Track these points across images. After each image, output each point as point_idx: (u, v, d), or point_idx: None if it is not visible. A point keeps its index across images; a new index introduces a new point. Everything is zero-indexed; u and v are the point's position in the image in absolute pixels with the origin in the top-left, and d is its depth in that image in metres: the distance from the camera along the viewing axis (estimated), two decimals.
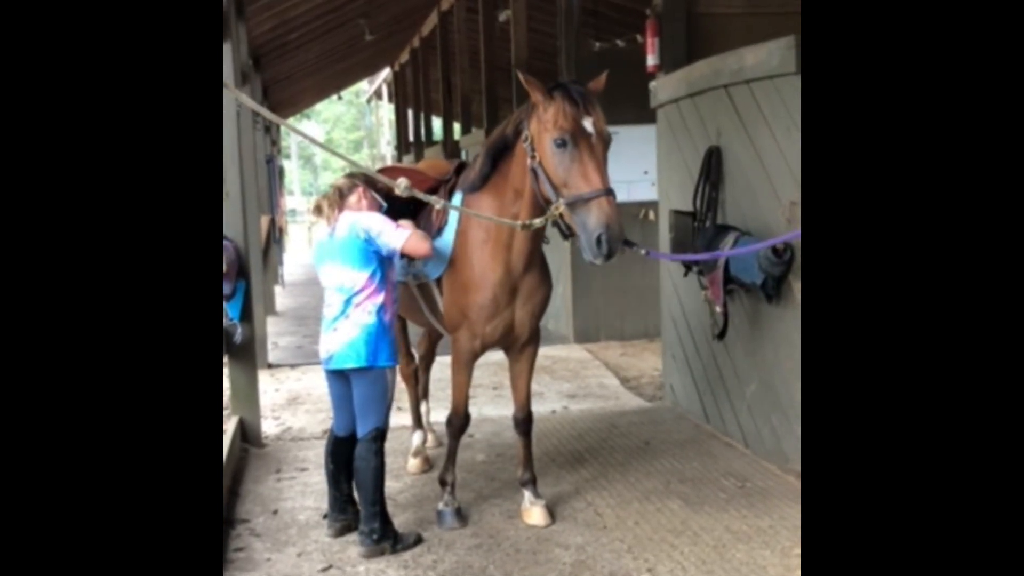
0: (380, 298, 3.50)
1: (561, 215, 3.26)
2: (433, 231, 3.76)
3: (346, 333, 3.48)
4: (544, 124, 3.22)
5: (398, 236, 3.47)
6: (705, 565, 3.39)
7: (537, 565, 3.44)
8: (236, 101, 4.72)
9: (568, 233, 3.43)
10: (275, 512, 4.09)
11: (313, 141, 3.94)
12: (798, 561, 3.42)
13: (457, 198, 3.75)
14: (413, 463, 4.60)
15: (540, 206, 3.38)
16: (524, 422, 3.93)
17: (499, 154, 3.55)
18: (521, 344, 3.83)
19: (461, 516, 3.88)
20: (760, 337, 4.46)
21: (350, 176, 3.78)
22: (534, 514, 3.83)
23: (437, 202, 3.55)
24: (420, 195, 3.50)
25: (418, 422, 4.79)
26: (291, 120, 20.71)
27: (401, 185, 3.38)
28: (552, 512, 3.89)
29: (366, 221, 3.49)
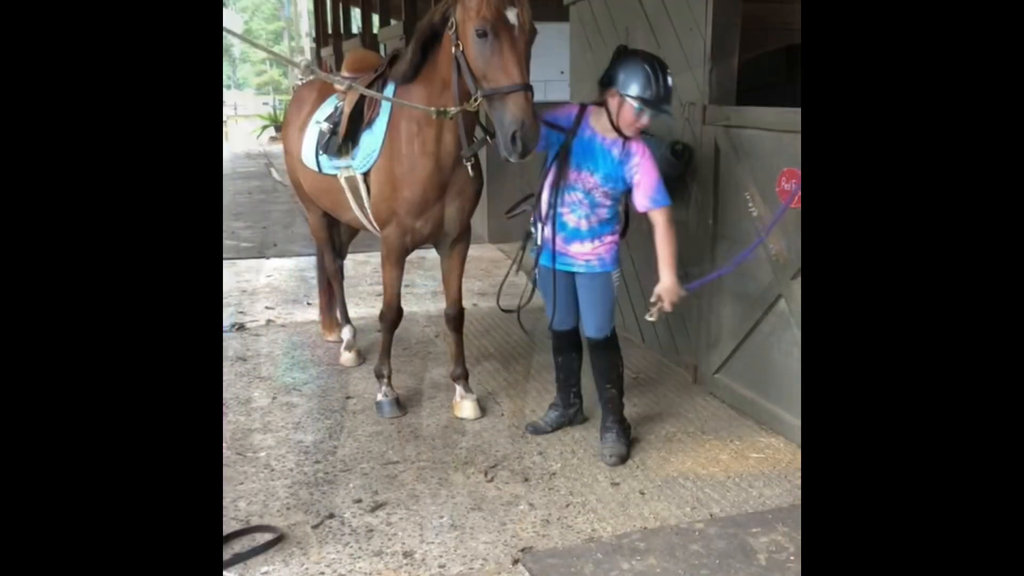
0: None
1: (479, 107, 3.23)
2: (364, 124, 3.70)
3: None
4: (468, 12, 3.15)
5: None
6: (593, 448, 3.60)
7: (434, 450, 3.60)
8: None
9: (491, 132, 3.41)
10: None
11: (240, 37, 3.79)
12: (678, 445, 3.66)
13: (389, 90, 3.67)
14: (347, 356, 4.68)
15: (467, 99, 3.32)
16: (456, 318, 4.00)
17: (428, 43, 3.47)
18: (451, 240, 3.87)
19: (400, 405, 3.99)
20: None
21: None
22: (465, 407, 3.95)
23: (376, 95, 3.53)
24: (362, 89, 3.50)
25: (346, 317, 4.87)
26: None
27: (345, 84, 3.40)
28: (482, 406, 4.00)
29: None
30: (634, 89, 3.19)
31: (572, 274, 3.47)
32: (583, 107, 3.38)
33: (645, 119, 3.24)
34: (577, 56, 5.52)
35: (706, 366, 4.30)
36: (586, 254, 3.42)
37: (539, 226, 3.45)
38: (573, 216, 3.39)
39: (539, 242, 3.47)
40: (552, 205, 3.38)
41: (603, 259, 3.45)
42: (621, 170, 3.33)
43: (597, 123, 3.33)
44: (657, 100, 3.20)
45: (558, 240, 3.41)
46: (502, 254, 7.61)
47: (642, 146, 3.35)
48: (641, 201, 3.34)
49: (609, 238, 3.46)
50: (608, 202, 3.39)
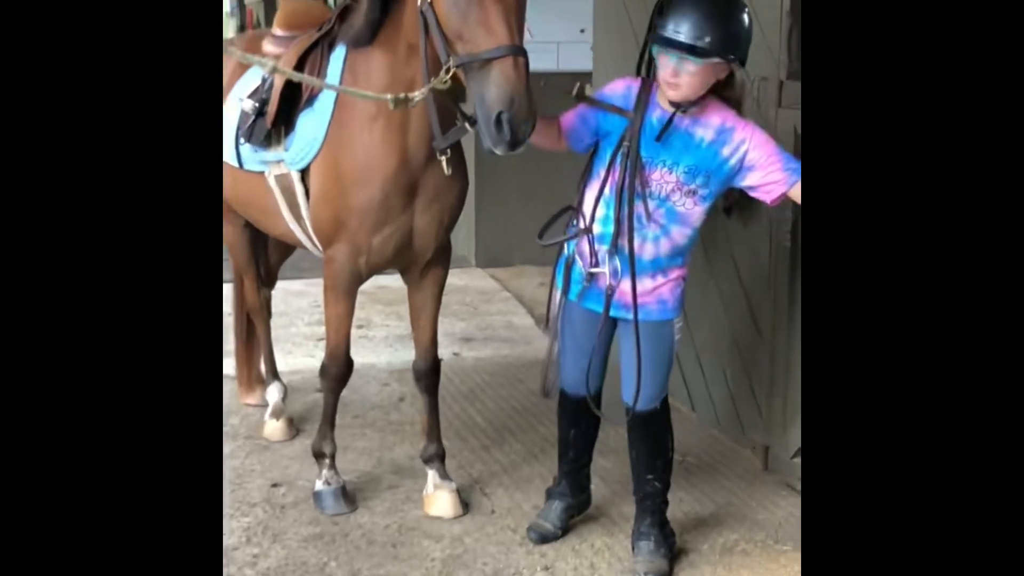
0: None
1: (455, 81, 3.21)
2: (302, 102, 3.73)
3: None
4: None
5: None
6: (621, 563, 3.57)
7: (396, 561, 3.58)
8: None
9: (473, 118, 3.41)
10: None
11: None
12: (742, 559, 3.65)
13: (339, 54, 3.71)
14: (274, 427, 4.66)
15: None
16: (429, 374, 4.00)
17: None
18: (424, 264, 3.88)
19: (348, 497, 3.98)
20: (716, 260, 4.62)
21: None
22: (439, 502, 3.92)
23: (313, 81, 3.58)
24: (293, 75, 3.55)
25: (273, 371, 4.87)
26: None
27: (267, 66, 3.44)
28: (465, 500, 3.98)
29: None
30: (663, 27, 3.13)
31: (611, 320, 3.44)
32: (646, 81, 3.35)
33: (685, 76, 3.15)
34: (604, 8, 5.55)
35: (781, 447, 4.27)
36: (641, 295, 3.37)
37: (587, 253, 3.42)
38: (635, 238, 3.34)
39: (585, 278, 3.42)
40: (628, 225, 3.31)
41: (664, 302, 3.42)
42: (716, 156, 3.29)
43: (665, 100, 3.30)
44: (695, 41, 3.07)
45: (606, 275, 3.36)
46: (495, 283, 7.64)
47: (735, 115, 3.32)
48: (776, 179, 3.28)
49: (676, 272, 3.43)
50: (692, 215, 3.35)
